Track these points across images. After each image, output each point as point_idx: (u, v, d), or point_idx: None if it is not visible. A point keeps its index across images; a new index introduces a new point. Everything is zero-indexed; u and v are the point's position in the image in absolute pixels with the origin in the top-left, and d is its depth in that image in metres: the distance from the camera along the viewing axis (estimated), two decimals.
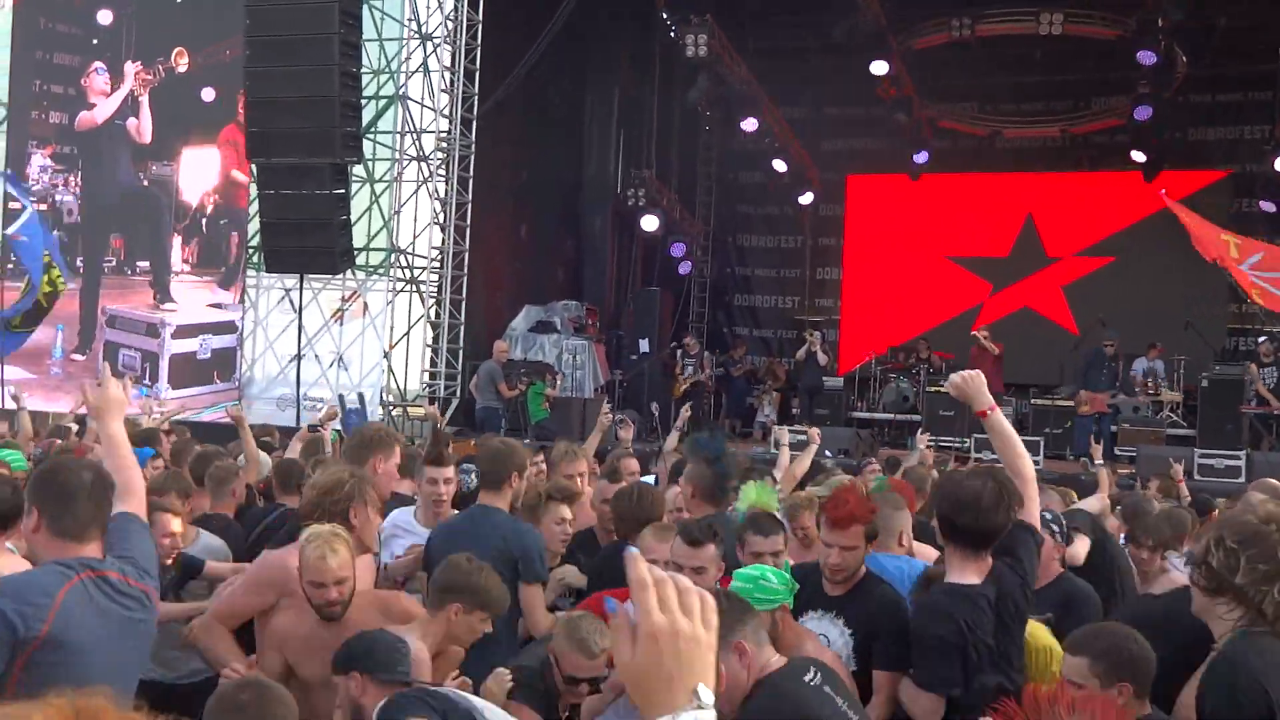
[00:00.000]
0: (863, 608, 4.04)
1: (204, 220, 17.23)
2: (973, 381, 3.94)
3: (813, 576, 4.13)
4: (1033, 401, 16.51)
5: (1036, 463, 13.40)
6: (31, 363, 17.38)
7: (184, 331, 16.92)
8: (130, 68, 17.26)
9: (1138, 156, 18.82)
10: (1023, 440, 12.60)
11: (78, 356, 17.25)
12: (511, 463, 5.00)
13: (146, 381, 16.47)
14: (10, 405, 10.74)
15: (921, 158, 20.12)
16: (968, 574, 3.67)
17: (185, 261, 17.27)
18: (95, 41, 17.59)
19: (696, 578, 3.91)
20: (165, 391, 16.35)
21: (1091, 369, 14.73)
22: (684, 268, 21.57)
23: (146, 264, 17.37)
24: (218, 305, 16.98)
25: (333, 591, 3.80)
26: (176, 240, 17.28)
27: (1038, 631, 3.92)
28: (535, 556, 4.73)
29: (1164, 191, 14.65)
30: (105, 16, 17.45)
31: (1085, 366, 14.82)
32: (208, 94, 16.90)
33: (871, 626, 3.97)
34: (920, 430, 12.37)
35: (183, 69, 17.05)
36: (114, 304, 17.28)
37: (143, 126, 17.29)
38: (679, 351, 18.41)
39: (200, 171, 17.16)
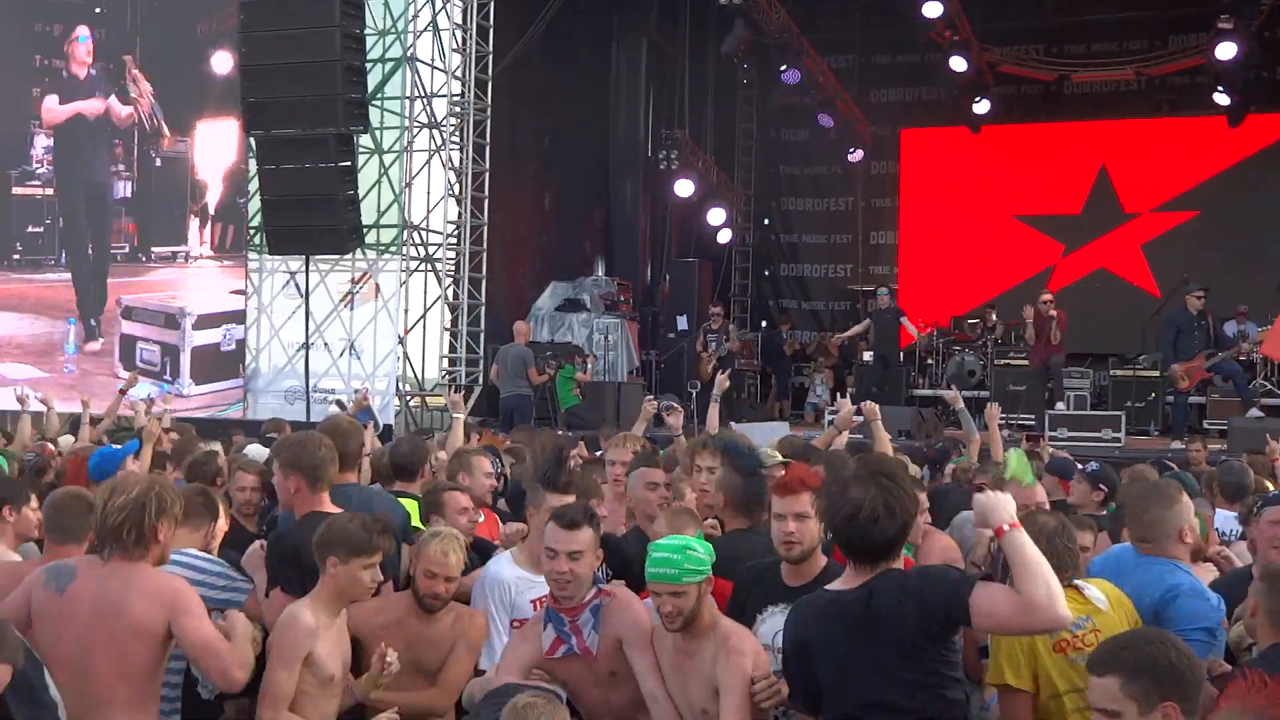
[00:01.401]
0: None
1: (220, 198, 17.19)
2: (993, 498, 3.52)
3: (768, 572, 4.19)
4: (1112, 373, 16.32)
5: (1117, 440, 13.25)
6: (44, 360, 17.43)
7: (206, 321, 16.77)
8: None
9: (1221, 99, 18.53)
10: (1102, 415, 12.40)
11: (94, 346, 17.25)
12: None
13: (167, 377, 16.50)
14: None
15: (982, 107, 19.89)
16: (847, 578, 3.64)
17: (203, 244, 17.28)
18: (99, 10, 17.50)
19: (573, 564, 4.13)
20: (189, 387, 16.38)
21: (1181, 336, 14.35)
22: (723, 236, 21.45)
23: (166, 249, 17.37)
24: (241, 292, 16.90)
25: (441, 585, 4.47)
26: (194, 222, 17.26)
27: None
28: None
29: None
30: None
31: (1174, 335, 14.46)
32: (221, 62, 16.80)
33: None
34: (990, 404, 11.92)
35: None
36: (129, 294, 17.27)
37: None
38: (702, 326, 18.28)
39: (217, 147, 17.06)
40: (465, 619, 4.63)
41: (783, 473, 4.36)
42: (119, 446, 7.14)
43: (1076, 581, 4.04)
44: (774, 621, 4.06)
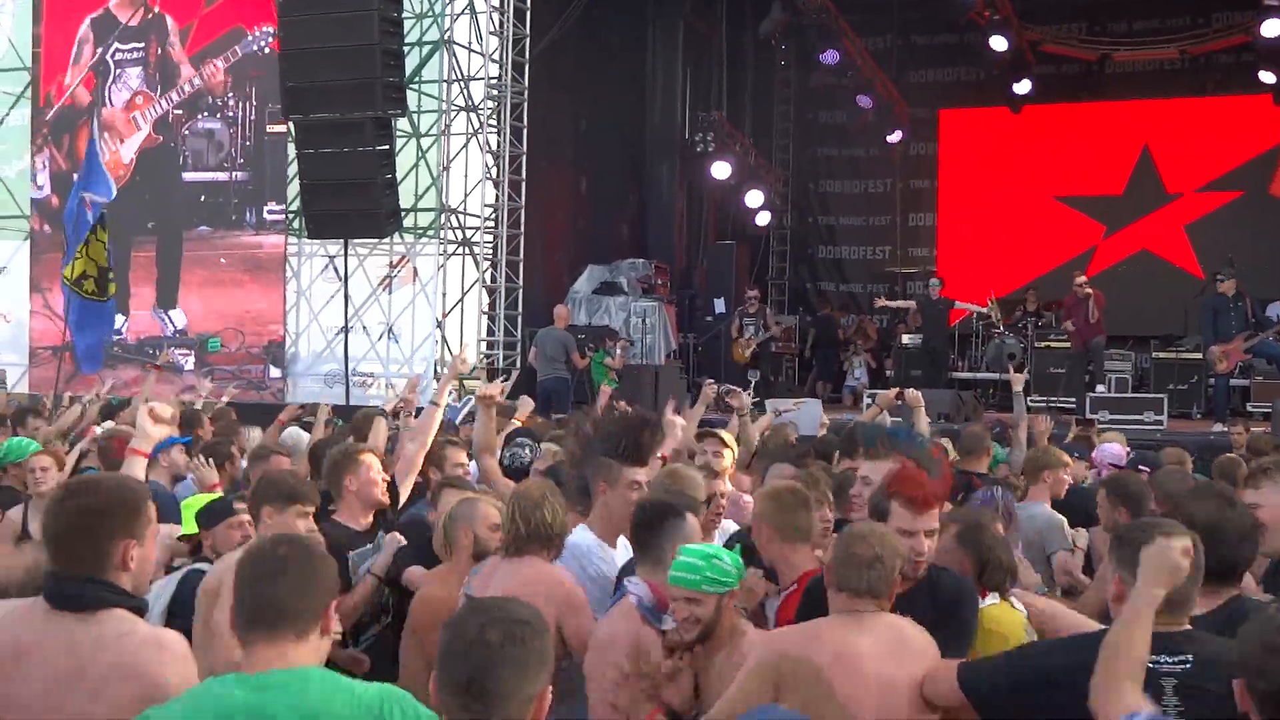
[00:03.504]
0: (932, 600, 3.86)
1: None
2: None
3: None
4: (1154, 355, 16.18)
5: (1159, 422, 13.12)
6: None
7: None
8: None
9: (1266, 78, 18.35)
10: (1144, 398, 12.23)
11: None
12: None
13: None
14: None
15: (1023, 87, 19.79)
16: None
17: None
18: None
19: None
20: None
21: (1219, 318, 14.23)
22: (761, 219, 21.45)
23: None
24: None
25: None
26: None
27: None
28: None
29: None
30: None
31: (1212, 317, 14.33)
32: None
33: (940, 617, 3.79)
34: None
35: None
36: None
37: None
38: (737, 310, 18.20)
39: None
40: None
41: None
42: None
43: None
44: None
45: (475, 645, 2.31)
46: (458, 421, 10.21)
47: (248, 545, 2.94)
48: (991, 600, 4.01)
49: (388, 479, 5.30)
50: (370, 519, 5.18)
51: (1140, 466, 6.98)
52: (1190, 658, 3.06)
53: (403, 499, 5.54)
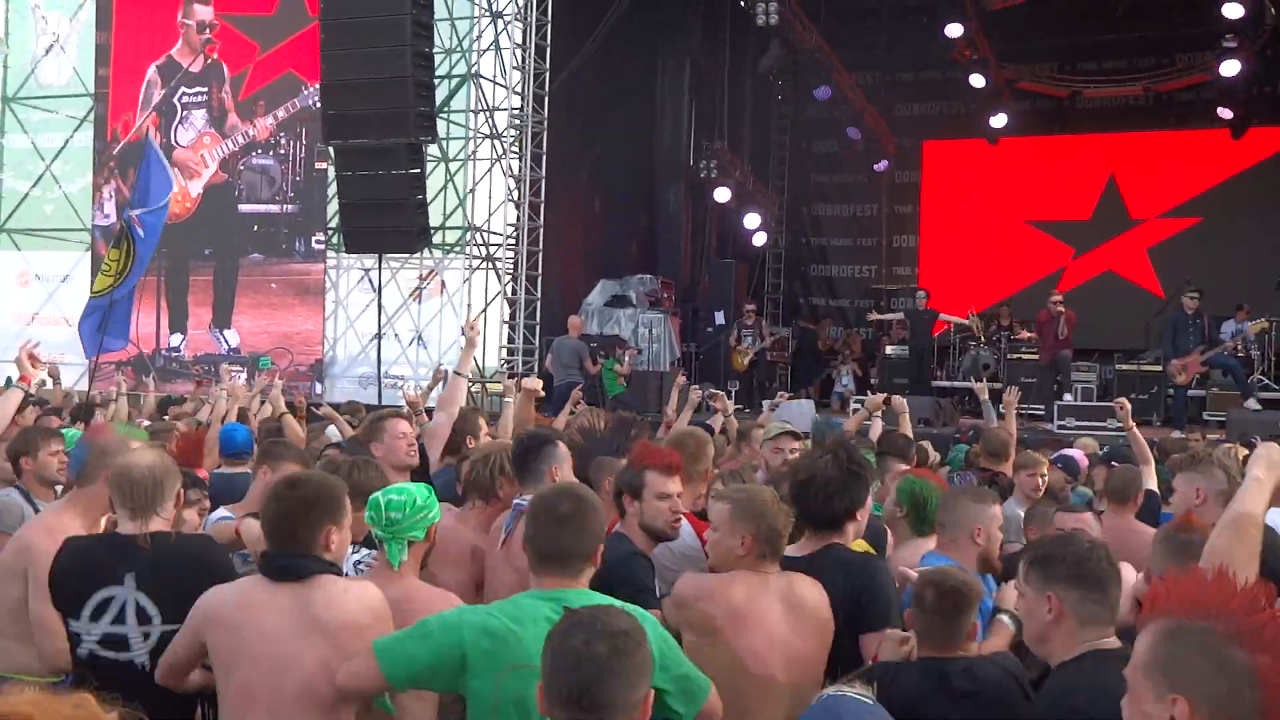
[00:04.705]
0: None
1: None
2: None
3: (638, 565, 3.88)
4: (1117, 367, 16.21)
5: (1121, 430, 13.10)
6: None
7: None
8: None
9: (1225, 113, 18.36)
10: (1107, 406, 12.05)
11: None
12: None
13: None
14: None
15: (999, 121, 19.78)
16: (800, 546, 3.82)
17: None
18: None
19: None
20: None
21: (1179, 334, 14.28)
22: (758, 239, 21.43)
23: None
24: None
25: None
26: None
27: None
28: None
29: None
30: None
31: (1172, 333, 14.37)
32: None
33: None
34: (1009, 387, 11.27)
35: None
36: None
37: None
38: (736, 322, 18.28)
39: None
40: None
41: None
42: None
43: None
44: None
45: (583, 659, 2.27)
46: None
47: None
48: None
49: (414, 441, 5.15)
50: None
51: (1112, 462, 7.06)
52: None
53: (434, 464, 5.36)
